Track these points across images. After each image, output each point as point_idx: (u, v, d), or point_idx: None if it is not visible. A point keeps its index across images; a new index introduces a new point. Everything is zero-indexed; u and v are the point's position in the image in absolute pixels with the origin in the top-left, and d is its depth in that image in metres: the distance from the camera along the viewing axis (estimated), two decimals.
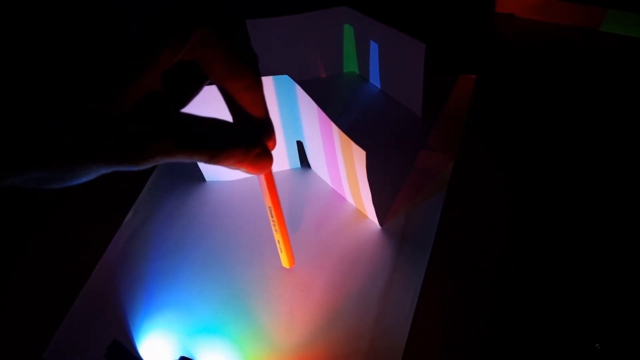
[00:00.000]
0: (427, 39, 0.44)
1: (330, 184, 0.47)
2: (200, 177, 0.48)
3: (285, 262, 0.41)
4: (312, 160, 0.47)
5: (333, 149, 0.41)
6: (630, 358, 0.36)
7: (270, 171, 0.33)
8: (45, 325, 0.40)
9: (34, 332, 0.40)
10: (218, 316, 0.40)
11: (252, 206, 0.46)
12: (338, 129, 0.37)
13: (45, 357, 0.39)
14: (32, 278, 0.43)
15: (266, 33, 0.51)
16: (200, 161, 0.24)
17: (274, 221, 0.37)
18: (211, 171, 0.47)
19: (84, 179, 0.21)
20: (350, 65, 0.55)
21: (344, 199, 0.46)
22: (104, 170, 0.21)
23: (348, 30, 0.52)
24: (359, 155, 0.37)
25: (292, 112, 0.43)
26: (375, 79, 0.54)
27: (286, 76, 0.40)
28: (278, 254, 0.41)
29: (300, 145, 0.47)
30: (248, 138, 0.26)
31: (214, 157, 0.24)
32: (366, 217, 0.44)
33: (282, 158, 0.47)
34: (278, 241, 0.39)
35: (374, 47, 0.50)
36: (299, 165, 0.49)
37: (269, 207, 0.36)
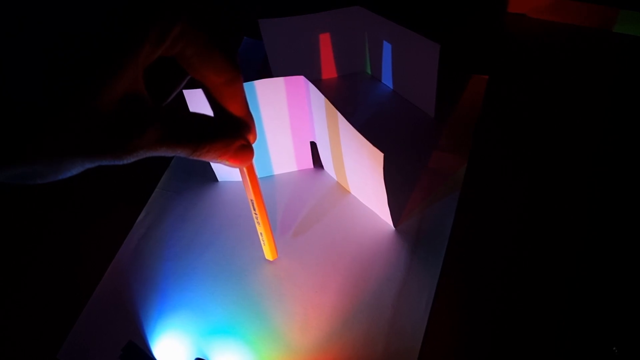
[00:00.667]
0: (441, 39, 0.44)
1: (344, 185, 0.47)
2: (212, 178, 0.48)
3: (268, 254, 0.42)
4: (325, 160, 0.47)
5: (348, 149, 0.41)
6: None
7: (252, 164, 0.34)
8: (59, 326, 0.40)
9: (48, 332, 0.40)
10: (232, 317, 0.40)
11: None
12: (354, 130, 0.37)
13: (59, 357, 0.39)
14: (45, 278, 0.43)
15: (279, 33, 0.50)
16: (183, 155, 0.24)
17: (256, 214, 0.38)
18: (223, 171, 0.47)
19: (69, 174, 0.21)
20: (363, 65, 0.55)
21: (357, 200, 0.46)
22: (88, 165, 0.21)
23: (361, 30, 0.51)
24: (376, 157, 0.36)
25: (305, 113, 0.43)
26: (387, 79, 0.54)
27: (302, 77, 0.40)
28: (290, 255, 0.41)
29: (313, 145, 0.47)
30: (229, 131, 0.27)
31: (196, 150, 0.25)
32: (380, 218, 0.44)
33: (294, 158, 0.47)
34: (261, 234, 0.40)
35: (386, 47, 0.50)
36: (311, 165, 0.48)
37: (251, 200, 0.37)
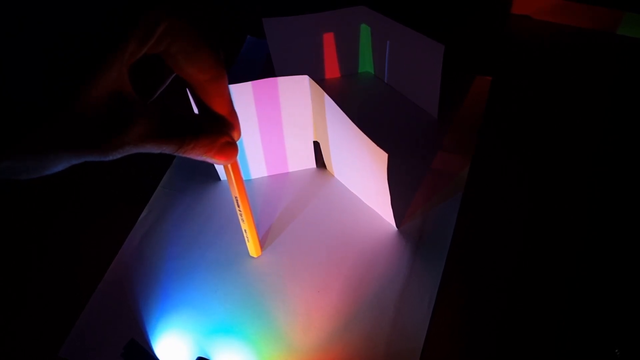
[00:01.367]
0: (445, 40, 0.44)
1: (346, 185, 0.47)
2: (215, 176, 0.48)
3: (252, 251, 0.42)
4: (328, 160, 0.47)
5: (351, 149, 0.41)
6: None
7: (236, 161, 0.35)
8: (61, 323, 0.40)
9: (50, 330, 0.40)
10: (234, 316, 0.40)
11: (268, 206, 0.46)
12: (358, 130, 0.37)
13: (61, 354, 0.39)
14: (47, 276, 0.43)
15: (283, 32, 0.50)
16: (168, 151, 0.25)
17: (240, 211, 0.38)
18: None
19: (55, 169, 0.21)
20: (366, 65, 0.55)
21: (360, 200, 0.46)
22: (74, 161, 0.21)
23: (365, 30, 0.51)
24: (380, 158, 0.36)
25: (309, 112, 0.43)
26: (391, 80, 0.53)
27: (306, 76, 0.40)
28: (293, 255, 0.41)
29: (316, 145, 0.47)
30: (214, 129, 0.27)
31: (182, 147, 0.25)
32: (382, 218, 0.44)
33: (297, 158, 0.47)
34: (245, 230, 0.40)
35: (390, 48, 0.50)
36: (314, 165, 0.48)
37: (235, 197, 0.37)
